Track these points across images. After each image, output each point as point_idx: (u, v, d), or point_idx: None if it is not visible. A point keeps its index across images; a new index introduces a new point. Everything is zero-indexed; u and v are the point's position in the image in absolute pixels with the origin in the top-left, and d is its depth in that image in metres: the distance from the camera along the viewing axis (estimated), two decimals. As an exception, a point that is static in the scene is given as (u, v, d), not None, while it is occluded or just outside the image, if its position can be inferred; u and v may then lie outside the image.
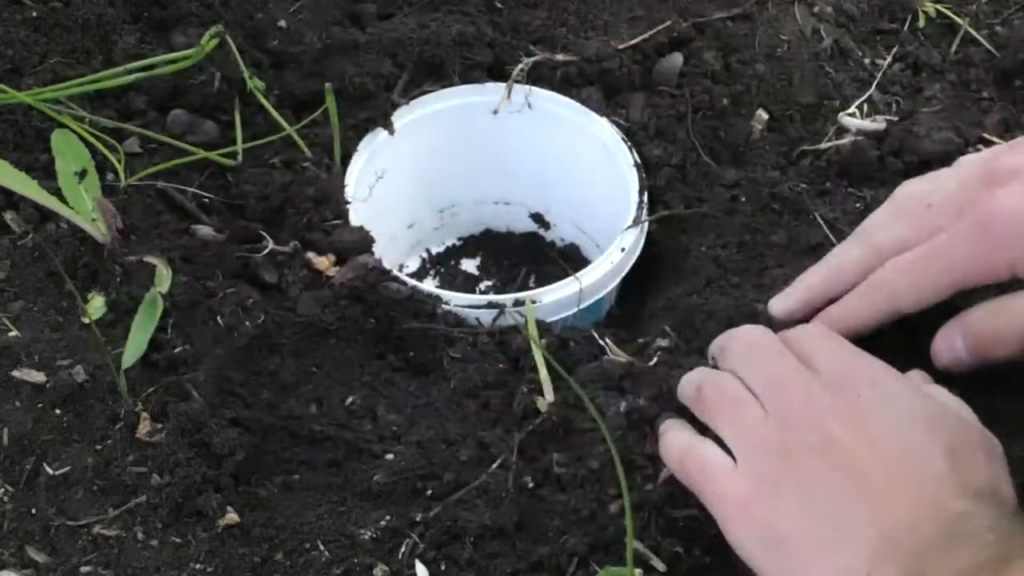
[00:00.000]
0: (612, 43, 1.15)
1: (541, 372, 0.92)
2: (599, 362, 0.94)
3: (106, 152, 1.00)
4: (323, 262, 1.00)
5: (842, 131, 1.11)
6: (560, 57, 1.14)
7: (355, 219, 1.04)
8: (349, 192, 1.05)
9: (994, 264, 0.83)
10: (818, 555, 0.75)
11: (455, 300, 1.00)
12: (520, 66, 1.13)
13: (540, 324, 1.00)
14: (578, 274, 1.03)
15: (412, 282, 1.00)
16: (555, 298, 1.02)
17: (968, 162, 0.90)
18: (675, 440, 0.84)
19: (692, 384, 0.86)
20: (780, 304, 0.93)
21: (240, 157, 1.05)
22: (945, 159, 1.04)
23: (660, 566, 0.82)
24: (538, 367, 0.92)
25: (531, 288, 1.10)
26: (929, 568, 0.72)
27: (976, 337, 0.85)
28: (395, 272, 1.01)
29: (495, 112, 1.13)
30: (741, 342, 0.86)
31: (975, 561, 0.71)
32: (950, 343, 0.86)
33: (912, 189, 0.91)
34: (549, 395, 0.90)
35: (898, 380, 0.82)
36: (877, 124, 1.10)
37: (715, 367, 0.87)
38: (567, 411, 0.91)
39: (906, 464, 0.76)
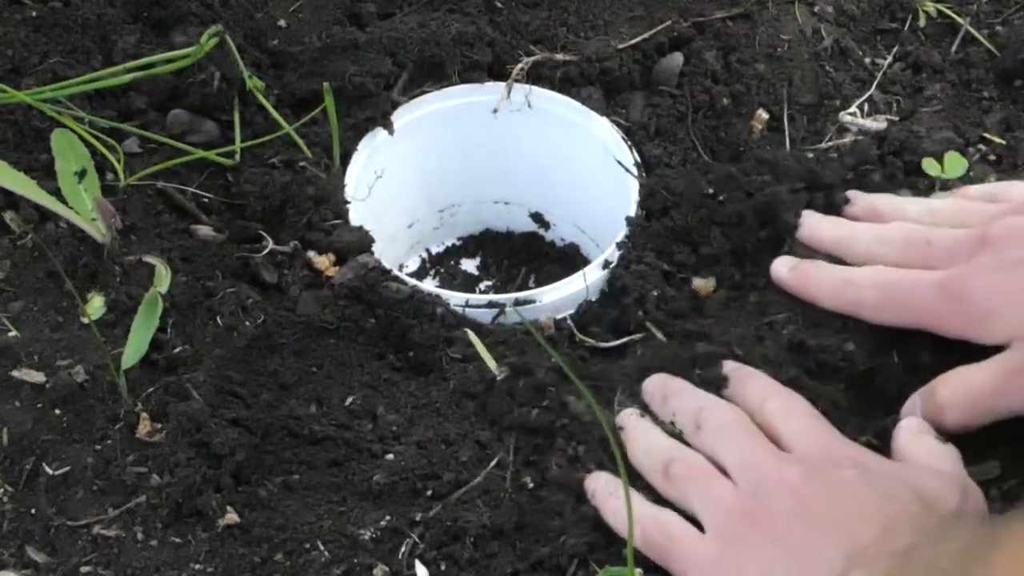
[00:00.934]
0: (612, 43, 1.15)
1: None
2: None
3: (105, 152, 1.00)
4: (323, 261, 1.00)
5: (843, 131, 1.11)
6: (560, 57, 1.14)
7: (355, 219, 1.04)
8: (349, 192, 1.05)
9: (951, 322, 0.89)
10: None
11: (455, 300, 1.00)
12: (520, 65, 1.13)
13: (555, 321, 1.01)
14: (578, 273, 1.03)
15: (412, 282, 1.00)
16: (555, 298, 1.02)
17: (978, 211, 0.96)
18: (636, 510, 0.84)
19: (659, 460, 0.87)
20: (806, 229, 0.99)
21: (239, 157, 1.05)
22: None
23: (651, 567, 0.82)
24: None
25: (531, 288, 1.10)
26: (901, 566, 0.75)
27: (930, 404, 0.89)
28: (395, 272, 1.01)
29: (495, 111, 1.13)
30: (717, 420, 0.87)
31: (949, 553, 0.73)
32: (912, 406, 0.90)
33: (918, 227, 0.96)
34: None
35: (876, 459, 0.85)
36: (878, 123, 1.10)
37: (645, 408, 0.91)
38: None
39: (874, 505, 0.80)
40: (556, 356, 0.76)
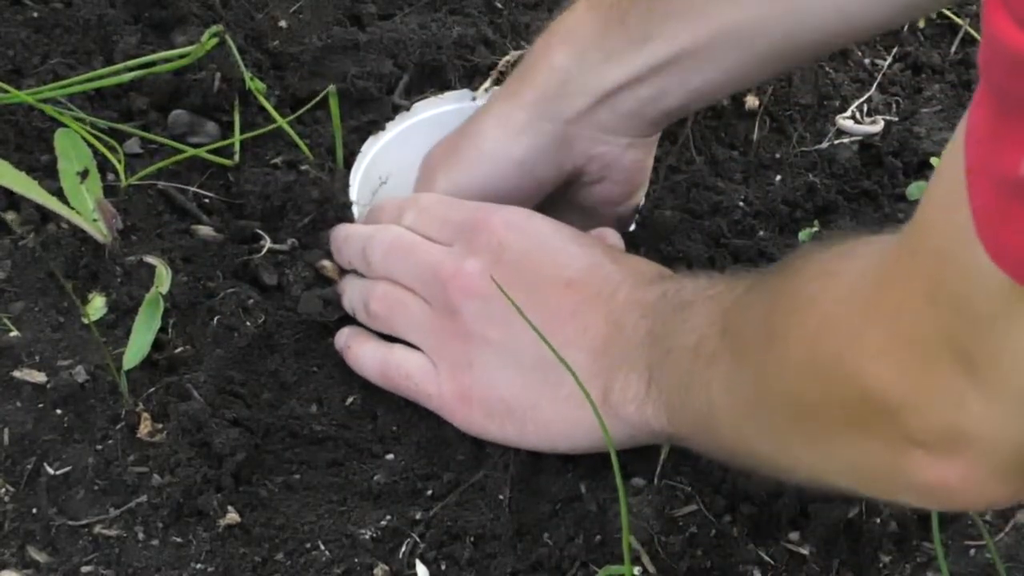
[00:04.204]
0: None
1: None
2: None
3: (106, 152, 1.00)
4: (330, 268, 0.99)
5: (841, 132, 1.11)
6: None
7: (357, 215, 1.03)
8: (353, 195, 1.05)
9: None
10: (547, 397, 0.81)
11: None
12: (507, 58, 1.12)
13: None
14: None
15: None
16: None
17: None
18: (366, 354, 0.89)
19: (358, 304, 0.89)
20: None
21: (237, 157, 1.05)
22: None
23: (650, 567, 0.82)
24: None
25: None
26: (609, 350, 0.79)
27: None
28: None
29: (473, 99, 1.12)
30: (379, 248, 0.89)
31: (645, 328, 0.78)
32: None
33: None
34: None
35: (524, 213, 0.87)
36: (876, 127, 1.10)
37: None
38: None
39: (581, 281, 0.82)
40: (552, 348, 0.76)
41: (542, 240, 0.85)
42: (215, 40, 1.03)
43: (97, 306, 0.93)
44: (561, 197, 0.95)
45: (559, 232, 0.86)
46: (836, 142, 1.10)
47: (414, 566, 0.83)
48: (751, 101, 1.13)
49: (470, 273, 0.83)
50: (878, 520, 0.86)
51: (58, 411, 0.87)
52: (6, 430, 0.86)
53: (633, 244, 0.99)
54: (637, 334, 0.79)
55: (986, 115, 0.50)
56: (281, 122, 1.05)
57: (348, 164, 1.07)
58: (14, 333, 0.91)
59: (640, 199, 0.99)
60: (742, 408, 0.72)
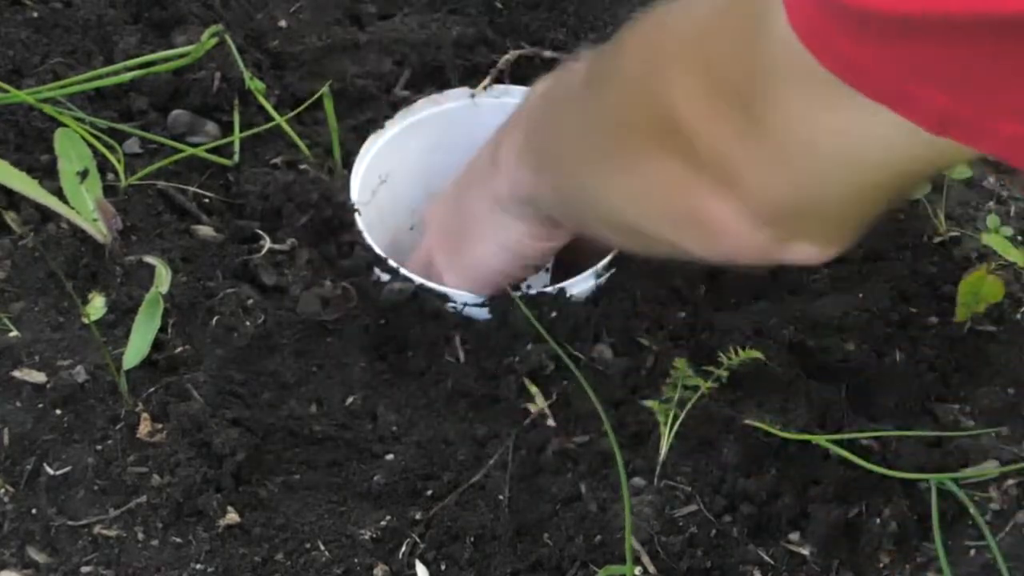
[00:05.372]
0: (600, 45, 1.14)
1: None
2: None
3: (106, 152, 1.00)
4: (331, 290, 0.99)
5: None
6: (548, 54, 1.14)
7: (360, 221, 1.03)
8: (354, 194, 1.05)
9: None
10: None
11: (459, 297, 1.00)
12: (506, 57, 1.12)
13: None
14: (591, 270, 1.02)
15: (418, 279, 1.00)
16: (568, 293, 1.02)
17: None
18: None
19: None
20: None
21: (237, 156, 1.06)
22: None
23: (650, 567, 0.82)
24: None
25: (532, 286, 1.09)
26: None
27: None
28: (402, 269, 1.00)
29: (472, 96, 1.12)
30: None
31: None
32: None
33: None
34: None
35: None
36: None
37: None
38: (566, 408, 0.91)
39: None
40: (558, 349, 0.76)
41: None
42: (215, 40, 1.03)
43: (97, 306, 0.93)
44: None
45: None
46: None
47: (414, 566, 0.83)
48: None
49: None
50: (878, 520, 0.86)
51: (58, 411, 0.87)
52: (6, 430, 0.86)
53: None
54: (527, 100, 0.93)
55: None
56: (280, 121, 1.05)
57: (348, 163, 1.07)
58: (14, 333, 0.91)
59: None
60: (574, 139, 0.82)
